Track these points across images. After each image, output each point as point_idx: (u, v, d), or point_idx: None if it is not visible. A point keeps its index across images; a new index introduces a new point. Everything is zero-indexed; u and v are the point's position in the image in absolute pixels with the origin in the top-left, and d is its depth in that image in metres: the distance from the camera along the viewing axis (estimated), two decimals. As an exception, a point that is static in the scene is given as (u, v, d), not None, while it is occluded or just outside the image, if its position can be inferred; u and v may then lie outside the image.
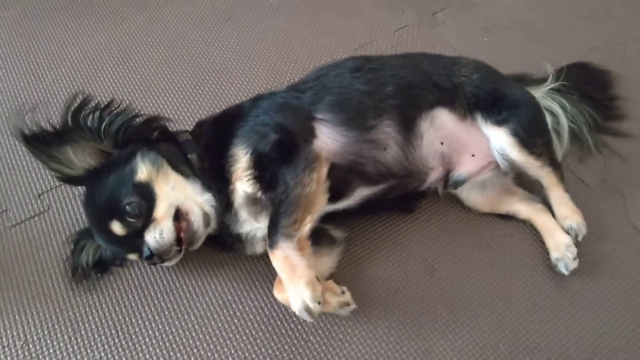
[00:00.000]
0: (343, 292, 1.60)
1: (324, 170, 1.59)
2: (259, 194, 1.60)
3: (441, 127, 1.78)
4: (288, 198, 1.53)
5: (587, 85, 2.19)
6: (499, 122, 1.79)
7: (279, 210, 1.52)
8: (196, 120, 2.24)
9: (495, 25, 2.66)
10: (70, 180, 1.64)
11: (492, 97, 1.82)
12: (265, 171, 1.58)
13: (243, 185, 1.61)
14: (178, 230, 1.58)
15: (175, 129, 1.83)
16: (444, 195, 1.94)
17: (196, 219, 1.61)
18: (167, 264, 1.63)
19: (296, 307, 1.45)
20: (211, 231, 1.69)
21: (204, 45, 2.59)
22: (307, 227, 1.53)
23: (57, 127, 1.54)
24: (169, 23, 2.70)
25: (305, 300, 1.42)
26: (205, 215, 1.64)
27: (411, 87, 1.78)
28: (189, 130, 1.80)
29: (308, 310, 1.43)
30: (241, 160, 1.60)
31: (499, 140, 1.79)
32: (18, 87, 2.38)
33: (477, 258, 1.84)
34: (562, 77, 2.06)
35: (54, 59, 2.51)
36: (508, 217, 1.92)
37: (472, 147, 1.82)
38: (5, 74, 2.44)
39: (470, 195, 1.92)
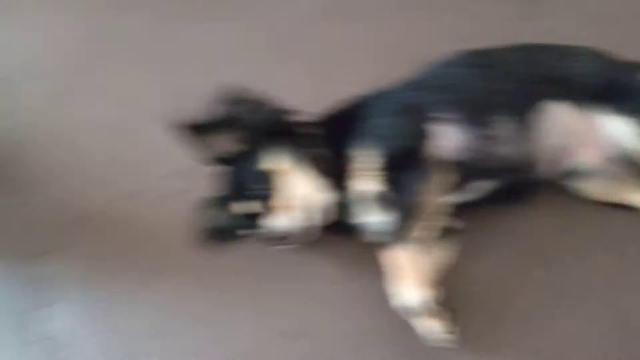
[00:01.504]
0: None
1: (443, 177, 1.73)
2: (377, 193, 1.77)
3: (558, 121, 1.82)
4: (405, 203, 1.69)
5: None
6: (619, 111, 1.80)
7: (396, 214, 1.68)
8: (311, 110, 2.39)
9: (605, 13, 2.58)
10: (210, 163, 1.90)
11: (611, 85, 1.83)
12: (385, 173, 1.75)
13: (361, 184, 1.80)
14: (294, 221, 1.77)
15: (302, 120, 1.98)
16: (553, 184, 1.95)
17: (311, 215, 1.80)
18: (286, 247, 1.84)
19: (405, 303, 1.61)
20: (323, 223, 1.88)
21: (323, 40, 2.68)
22: (423, 232, 1.68)
23: (211, 118, 1.80)
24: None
25: (412, 300, 1.59)
26: (318, 212, 1.82)
27: (527, 81, 1.85)
28: (313, 122, 1.98)
29: (411, 311, 1.60)
30: (361, 161, 1.79)
31: (619, 130, 1.80)
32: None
33: (595, 248, 1.85)
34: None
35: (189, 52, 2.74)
36: (622, 207, 1.91)
37: (591, 139, 1.84)
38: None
39: (583, 184, 1.93)
